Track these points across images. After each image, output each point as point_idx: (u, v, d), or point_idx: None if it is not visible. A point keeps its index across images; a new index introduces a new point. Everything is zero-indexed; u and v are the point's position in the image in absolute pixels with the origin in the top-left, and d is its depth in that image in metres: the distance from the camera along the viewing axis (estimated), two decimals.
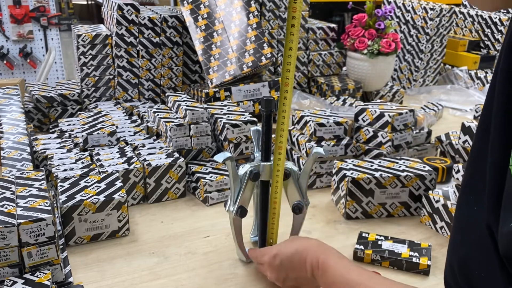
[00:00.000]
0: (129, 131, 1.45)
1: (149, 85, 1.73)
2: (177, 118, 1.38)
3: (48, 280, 0.84)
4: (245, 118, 1.37)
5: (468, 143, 1.41)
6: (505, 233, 0.50)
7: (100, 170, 1.21)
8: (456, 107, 2.06)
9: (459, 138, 1.44)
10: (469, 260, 0.61)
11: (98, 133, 1.34)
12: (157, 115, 1.43)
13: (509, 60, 0.57)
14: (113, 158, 1.27)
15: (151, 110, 1.49)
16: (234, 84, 1.61)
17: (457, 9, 2.35)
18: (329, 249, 0.83)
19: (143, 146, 1.35)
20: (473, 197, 0.63)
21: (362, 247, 1.03)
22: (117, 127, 1.43)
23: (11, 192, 0.94)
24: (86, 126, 1.38)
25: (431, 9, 2.16)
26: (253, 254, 0.96)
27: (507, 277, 0.53)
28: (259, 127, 0.98)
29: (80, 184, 1.11)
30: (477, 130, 0.63)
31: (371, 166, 1.22)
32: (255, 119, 1.36)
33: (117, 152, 1.31)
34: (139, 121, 1.52)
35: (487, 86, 2.26)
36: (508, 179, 0.51)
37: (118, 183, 1.11)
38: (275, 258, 0.88)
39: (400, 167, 1.21)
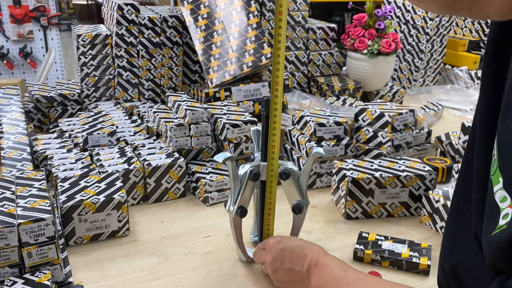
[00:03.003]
0: (129, 131, 1.45)
1: (149, 85, 1.73)
2: (177, 118, 1.38)
3: (48, 280, 0.84)
4: (245, 118, 1.37)
5: None
6: (487, 242, 0.50)
7: (100, 170, 1.21)
8: (456, 107, 2.06)
9: (459, 138, 1.44)
10: (459, 265, 0.61)
11: (98, 133, 1.34)
12: (157, 115, 1.43)
13: (488, 71, 0.58)
14: (113, 158, 1.27)
15: (151, 110, 1.49)
16: (234, 84, 1.61)
17: None
18: (332, 256, 0.86)
19: (143, 146, 1.35)
20: (463, 203, 0.63)
21: (362, 247, 1.03)
22: (117, 127, 1.43)
23: (11, 192, 0.94)
24: (86, 126, 1.38)
25: None
26: (278, 238, 0.95)
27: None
28: (259, 127, 0.98)
29: (80, 184, 1.11)
30: (468, 138, 0.64)
31: (371, 166, 1.22)
32: (255, 119, 1.36)
33: (117, 152, 1.31)
34: (139, 121, 1.52)
35: None
36: (490, 189, 0.51)
37: (118, 183, 1.11)
38: (279, 244, 0.91)
39: (400, 167, 1.21)
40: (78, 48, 1.63)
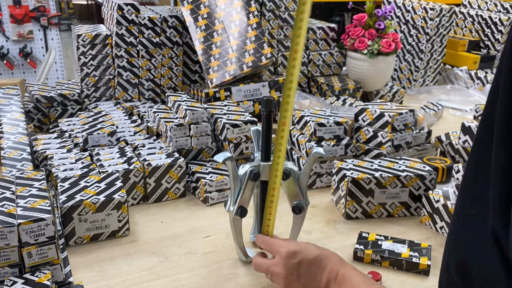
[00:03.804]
0: (129, 131, 1.45)
1: (149, 85, 1.73)
2: (177, 118, 1.38)
3: (48, 280, 0.84)
4: (245, 118, 1.37)
5: (468, 143, 1.41)
6: None
7: (100, 170, 1.21)
8: (456, 107, 2.06)
9: (459, 138, 1.44)
10: (468, 263, 0.61)
11: (98, 133, 1.34)
12: (157, 115, 1.43)
13: (507, 67, 0.57)
14: (113, 158, 1.27)
15: (151, 110, 1.49)
16: (234, 84, 1.61)
17: (457, 9, 2.36)
18: (351, 266, 0.81)
19: (143, 146, 1.35)
20: (469, 199, 0.63)
21: (362, 247, 1.03)
22: (117, 127, 1.43)
23: (11, 192, 0.94)
24: (86, 126, 1.38)
25: (431, 9, 2.16)
26: (266, 241, 0.88)
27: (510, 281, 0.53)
28: (259, 127, 0.98)
29: (80, 184, 1.11)
30: (476, 135, 0.63)
31: (371, 166, 1.22)
32: (255, 119, 1.36)
33: (117, 152, 1.31)
34: (139, 121, 1.52)
35: (487, 86, 2.26)
36: None
37: (118, 183, 1.11)
38: (295, 256, 0.81)
39: (400, 167, 1.21)
40: (78, 48, 1.63)
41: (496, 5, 2.52)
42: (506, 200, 0.53)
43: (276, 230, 1.01)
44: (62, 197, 1.05)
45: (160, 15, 1.68)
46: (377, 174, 1.17)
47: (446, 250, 0.68)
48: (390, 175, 1.17)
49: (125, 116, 1.55)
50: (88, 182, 1.12)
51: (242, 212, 0.95)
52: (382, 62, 1.93)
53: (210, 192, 1.25)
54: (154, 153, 1.30)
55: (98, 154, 1.29)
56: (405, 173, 1.17)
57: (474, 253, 0.59)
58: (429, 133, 1.52)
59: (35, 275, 0.85)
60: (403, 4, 2.27)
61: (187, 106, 1.38)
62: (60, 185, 1.10)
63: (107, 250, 1.05)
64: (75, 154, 1.30)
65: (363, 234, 1.08)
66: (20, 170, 1.13)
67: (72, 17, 5.13)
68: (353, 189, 1.17)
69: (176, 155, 1.29)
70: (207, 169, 1.32)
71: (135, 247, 1.07)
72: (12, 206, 0.88)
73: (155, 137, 1.42)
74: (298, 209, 0.97)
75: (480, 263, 0.58)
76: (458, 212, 0.66)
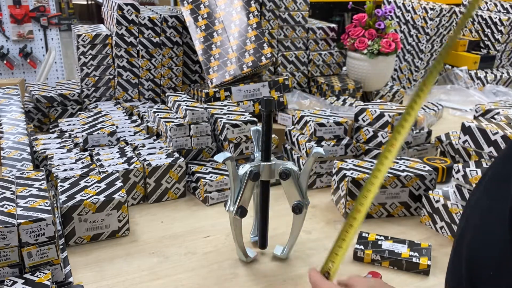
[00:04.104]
0: (129, 131, 1.45)
1: (149, 85, 1.73)
2: (177, 118, 1.38)
3: (48, 280, 0.84)
4: (245, 118, 1.37)
5: (468, 143, 1.41)
6: None
7: (100, 170, 1.21)
8: (456, 107, 2.07)
9: (459, 138, 1.44)
10: (478, 256, 0.60)
11: (98, 133, 1.34)
12: (157, 115, 1.43)
13: None
14: (113, 158, 1.27)
15: (151, 110, 1.49)
16: (234, 84, 1.61)
17: (457, 9, 2.36)
18: None
19: (143, 146, 1.35)
20: (488, 194, 0.62)
21: (362, 247, 1.03)
22: (117, 127, 1.43)
23: (11, 192, 0.94)
24: (86, 126, 1.38)
25: (431, 9, 2.16)
26: (318, 281, 0.71)
27: None
28: (259, 127, 0.98)
29: (80, 184, 1.11)
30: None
31: (371, 166, 1.22)
32: (255, 119, 1.36)
33: (117, 152, 1.31)
34: (139, 121, 1.52)
35: (487, 86, 2.26)
36: None
37: (118, 183, 1.11)
38: None
39: (400, 167, 1.21)
40: (78, 48, 1.63)
41: (496, 5, 2.52)
42: None
43: (276, 231, 1.01)
44: (62, 197, 1.05)
45: (160, 15, 1.68)
46: None
47: (456, 245, 0.66)
48: (390, 175, 1.17)
49: (125, 116, 1.55)
50: (88, 182, 1.12)
51: (242, 212, 0.95)
52: (382, 62, 1.93)
53: (210, 192, 1.25)
54: (154, 153, 1.30)
55: (98, 154, 1.29)
56: (405, 173, 1.17)
57: (487, 243, 0.59)
58: (429, 133, 1.52)
59: (35, 275, 0.85)
60: (403, 4, 2.27)
61: (187, 106, 1.38)
62: (60, 185, 1.10)
63: (107, 250, 1.05)
64: (75, 154, 1.30)
65: (363, 234, 1.08)
66: (20, 170, 1.13)
67: (72, 17, 5.13)
68: (353, 189, 1.17)
69: (176, 155, 1.29)
70: (207, 169, 1.32)
71: (135, 247, 1.07)
72: (12, 206, 0.88)
73: (155, 137, 1.42)
74: (298, 209, 0.97)
75: (491, 254, 0.58)
76: (472, 204, 0.65)
